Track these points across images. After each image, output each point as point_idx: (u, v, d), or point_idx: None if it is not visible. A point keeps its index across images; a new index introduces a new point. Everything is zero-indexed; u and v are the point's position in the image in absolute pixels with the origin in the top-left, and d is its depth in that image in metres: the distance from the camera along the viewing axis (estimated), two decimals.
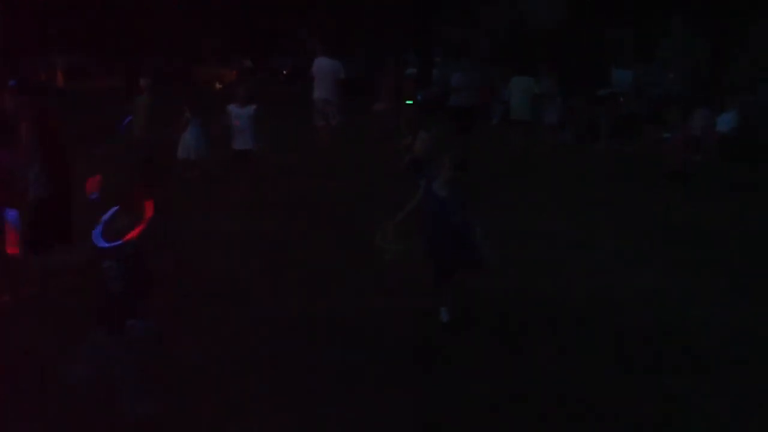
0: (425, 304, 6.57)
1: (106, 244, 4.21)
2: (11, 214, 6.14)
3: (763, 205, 11.89)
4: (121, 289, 4.32)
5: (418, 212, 6.39)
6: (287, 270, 7.75)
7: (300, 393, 5.12)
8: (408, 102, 17.68)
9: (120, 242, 4.22)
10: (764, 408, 5.17)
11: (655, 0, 26.44)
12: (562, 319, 6.62)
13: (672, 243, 9.34)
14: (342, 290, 7.13)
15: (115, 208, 4.30)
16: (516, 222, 9.86)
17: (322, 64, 14.85)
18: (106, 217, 4.30)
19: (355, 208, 10.35)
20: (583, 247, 9.00)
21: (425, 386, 5.25)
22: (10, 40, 23.80)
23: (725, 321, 6.71)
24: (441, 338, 6.10)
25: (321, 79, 14.70)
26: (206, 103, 15.07)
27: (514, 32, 29.82)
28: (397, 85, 19.56)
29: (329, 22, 30.70)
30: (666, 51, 28.20)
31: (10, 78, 6.50)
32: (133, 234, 4.22)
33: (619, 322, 6.61)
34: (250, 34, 36.66)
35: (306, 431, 4.71)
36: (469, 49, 27.30)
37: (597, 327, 6.46)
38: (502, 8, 30.35)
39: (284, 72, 35.15)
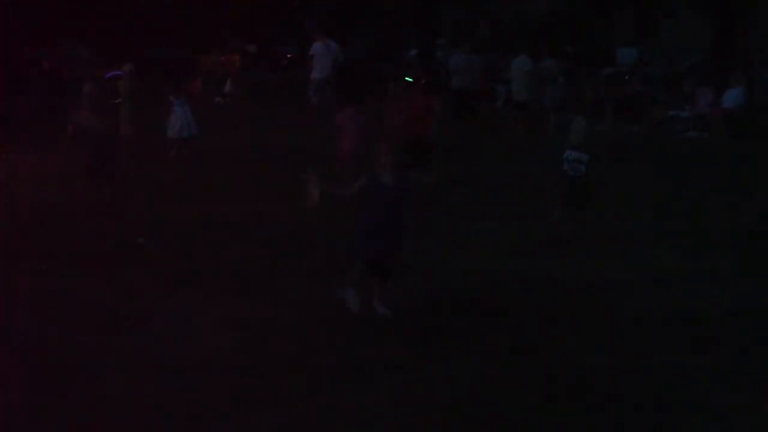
0: (429, 285, 6.60)
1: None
2: None
3: None
4: None
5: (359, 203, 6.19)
6: (288, 255, 7.71)
7: (302, 383, 5.05)
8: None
9: None
10: None
11: None
12: (569, 301, 6.61)
13: (680, 221, 9.31)
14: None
15: None
16: (521, 203, 9.87)
17: (321, 47, 15.63)
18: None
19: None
20: (590, 227, 9.00)
21: (431, 372, 5.21)
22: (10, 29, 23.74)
23: (734, 300, 6.66)
24: (446, 323, 6.06)
25: (319, 60, 15.61)
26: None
27: (517, 14, 29.70)
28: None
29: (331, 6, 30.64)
30: (669, 30, 28.09)
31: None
32: None
33: (627, 302, 6.60)
34: (256, 22, 36.59)
35: (310, 418, 4.66)
36: (471, 32, 27.24)
37: (603, 308, 6.46)
38: None
39: (288, 55, 35.56)
